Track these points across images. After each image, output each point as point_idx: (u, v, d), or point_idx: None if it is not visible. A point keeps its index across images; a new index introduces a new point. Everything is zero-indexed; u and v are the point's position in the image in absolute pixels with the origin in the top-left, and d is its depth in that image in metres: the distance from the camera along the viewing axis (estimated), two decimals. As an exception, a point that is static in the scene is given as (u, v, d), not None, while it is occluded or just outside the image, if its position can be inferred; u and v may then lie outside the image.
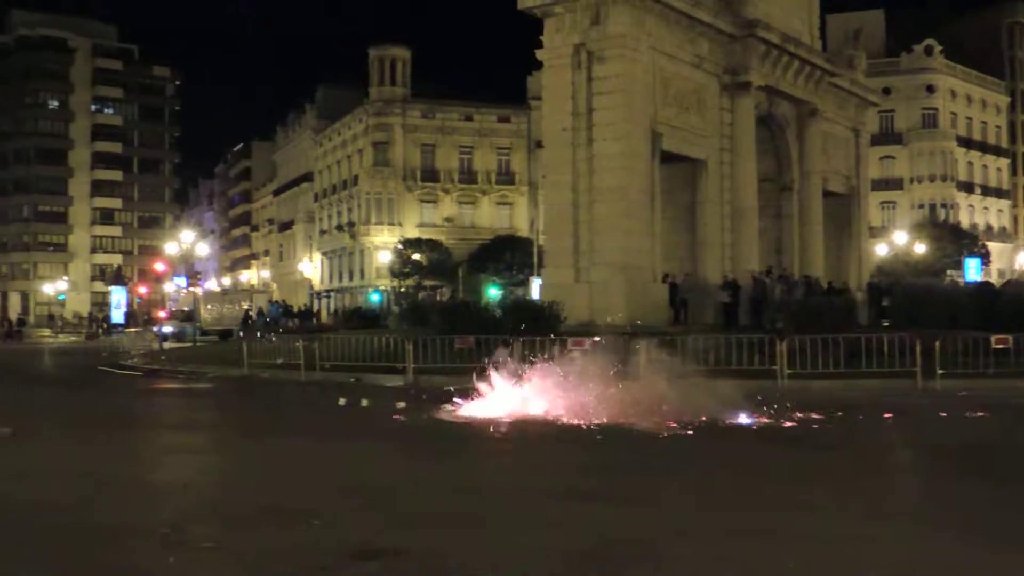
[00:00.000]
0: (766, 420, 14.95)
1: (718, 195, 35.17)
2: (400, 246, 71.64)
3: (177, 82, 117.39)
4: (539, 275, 43.24)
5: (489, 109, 77.40)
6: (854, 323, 29.39)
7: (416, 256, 70.32)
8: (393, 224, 75.81)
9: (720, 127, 35.30)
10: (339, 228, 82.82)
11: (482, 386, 16.49)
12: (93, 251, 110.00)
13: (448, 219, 76.95)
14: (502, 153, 78.30)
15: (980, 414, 16.14)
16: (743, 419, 14.77)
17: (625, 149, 30.75)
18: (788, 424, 14.74)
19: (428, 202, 77.27)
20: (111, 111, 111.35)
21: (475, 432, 14.44)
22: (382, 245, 74.69)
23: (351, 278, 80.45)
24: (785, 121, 39.51)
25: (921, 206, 75.09)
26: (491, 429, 14.47)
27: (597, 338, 20.29)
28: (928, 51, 76.19)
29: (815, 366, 21.14)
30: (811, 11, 41.60)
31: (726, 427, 14.33)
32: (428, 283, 69.52)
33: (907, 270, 55.79)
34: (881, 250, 60.16)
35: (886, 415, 16.00)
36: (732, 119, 35.54)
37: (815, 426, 14.66)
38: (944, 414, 16.06)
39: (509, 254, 67.41)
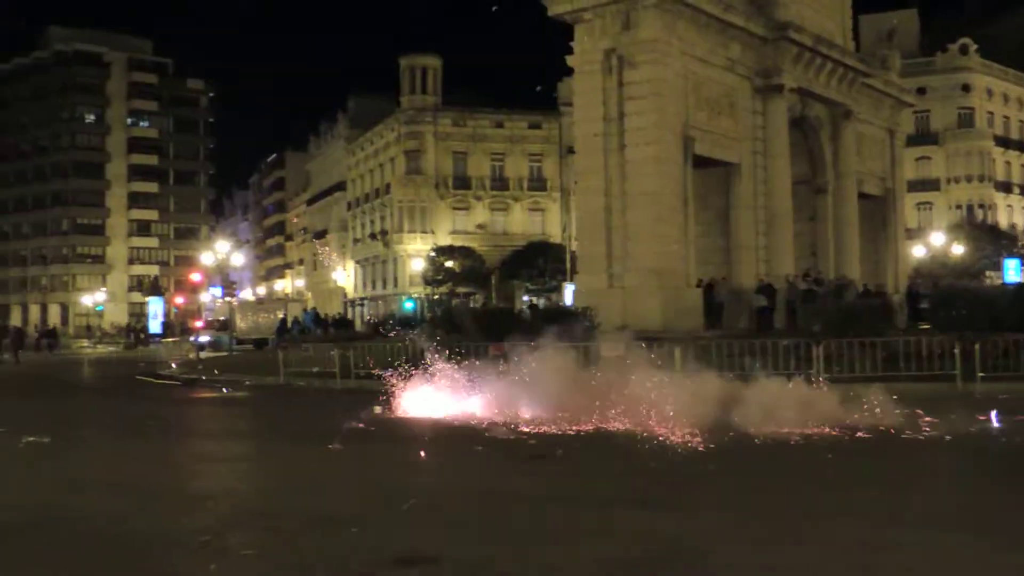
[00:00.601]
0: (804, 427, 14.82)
1: (752, 199, 34.96)
2: (433, 253, 71.86)
3: (211, 94, 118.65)
4: (572, 281, 43.21)
5: (520, 116, 77.51)
6: (892, 326, 29.08)
7: (449, 263, 70.53)
8: (426, 232, 76.07)
9: (753, 130, 35.09)
10: (372, 236, 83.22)
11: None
12: (130, 262, 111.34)
13: (480, 226, 77.07)
14: (534, 159, 78.36)
15: (1021, 418, 15.90)
16: (788, 426, 14.65)
17: (657, 154, 30.64)
18: (828, 430, 14.61)
19: (460, 209, 77.47)
20: (146, 124, 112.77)
21: (508, 438, 14.42)
22: (415, 253, 74.97)
23: (384, 286, 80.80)
24: (819, 123, 39.22)
25: (958, 207, 74.23)
26: (519, 436, 14.45)
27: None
28: (963, 50, 75.35)
29: (852, 370, 20.94)
30: (844, 12, 41.27)
31: (763, 435, 14.23)
32: (461, 290, 69.68)
33: (945, 272, 55.13)
34: (918, 252, 59.52)
35: (925, 419, 15.81)
36: (765, 122, 35.32)
37: (853, 431, 14.51)
38: (984, 417, 15.84)
39: (542, 260, 67.45)
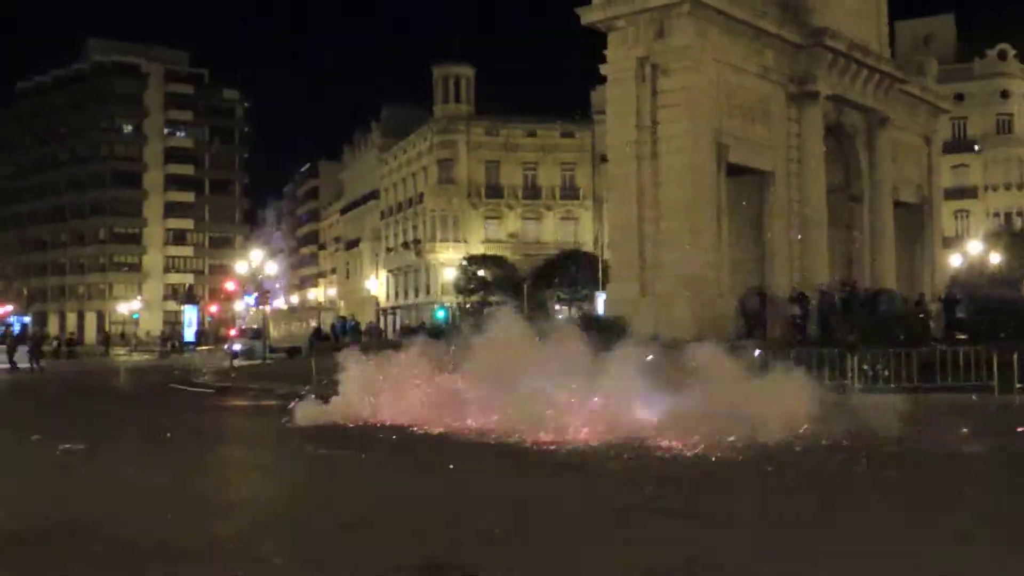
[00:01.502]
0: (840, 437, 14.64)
1: (786, 207, 34.70)
2: (465, 262, 71.95)
3: (246, 104, 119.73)
4: (604, 290, 43.06)
5: (553, 124, 77.50)
6: (928, 336, 28.72)
7: (481, 272, 70.56)
8: (458, 241, 76.21)
9: (787, 138, 34.85)
10: (405, 245, 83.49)
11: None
12: (166, 271, 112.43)
13: (512, 235, 77.10)
14: (566, 168, 78.31)
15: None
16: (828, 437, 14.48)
17: (690, 162, 30.51)
18: (863, 440, 14.42)
19: (493, 218, 77.54)
20: (183, 134, 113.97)
21: (532, 448, 14.35)
22: (447, 262, 75.11)
23: (417, 295, 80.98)
24: (854, 130, 38.88)
25: (996, 215, 73.21)
26: (536, 446, 14.39)
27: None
28: (1002, 56, 74.41)
29: (887, 380, 20.69)
30: (879, 18, 40.92)
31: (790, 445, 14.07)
32: (493, 299, 69.59)
33: (982, 281, 54.35)
34: (955, 260, 58.76)
35: (962, 430, 15.57)
36: (799, 129, 35.07)
37: (887, 443, 14.32)
38: (1022, 429, 15.58)
39: (574, 269, 67.26)
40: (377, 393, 18.48)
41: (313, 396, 19.71)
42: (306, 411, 18.24)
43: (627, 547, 8.20)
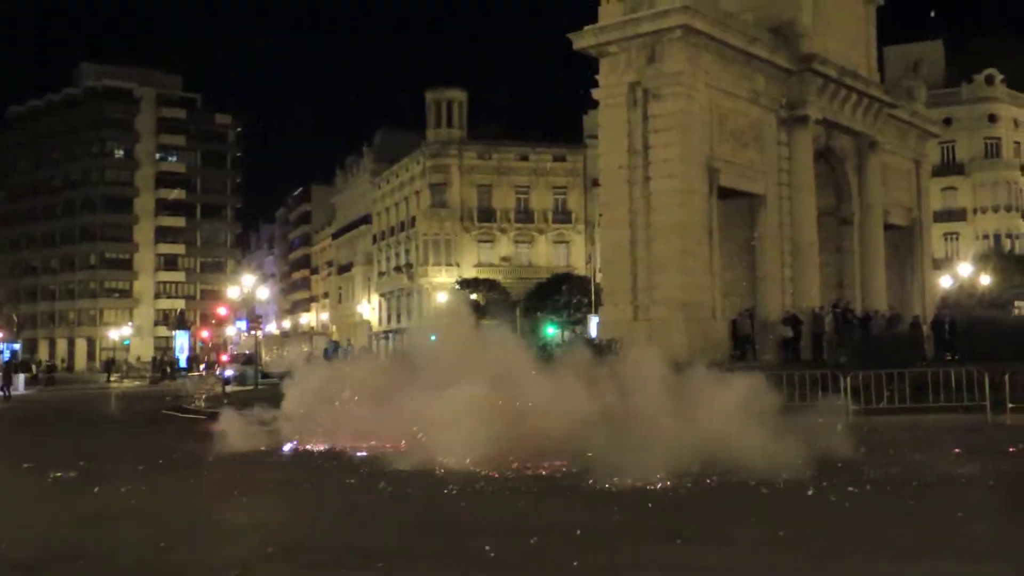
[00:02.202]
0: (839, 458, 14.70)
1: (777, 230, 34.90)
2: (458, 286, 71.98)
3: (238, 129, 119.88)
4: (597, 313, 43.15)
5: (545, 149, 77.81)
6: (920, 357, 28.87)
7: (473, 296, 70.56)
8: (451, 264, 76.29)
9: (778, 161, 35.11)
10: (397, 269, 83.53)
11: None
12: (157, 296, 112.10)
13: (505, 258, 77.23)
14: (558, 192, 78.57)
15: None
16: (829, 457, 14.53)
17: (682, 186, 30.69)
18: (862, 461, 14.49)
19: (485, 242, 77.68)
20: (175, 159, 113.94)
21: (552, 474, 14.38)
22: (440, 285, 75.09)
23: (409, 319, 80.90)
24: (844, 154, 39.18)
25: (986, 237, 73.66)
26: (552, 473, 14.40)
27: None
28: (989, 80, 75.11)
29: (880, 401, 20.79)
30: (868, 43, 41.32)
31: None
32: (486, 322, 69.60)
33: (972, 302, 54.64)
34: (945, 282, 59.05)
35: (955, 451, 15.66)
36: (790, 153, 35.33)
37: (884, 464, 14.39)
38: (1014, 449, 15.68)
39: (567, 293, 67.35)
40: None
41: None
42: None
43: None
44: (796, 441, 13.95)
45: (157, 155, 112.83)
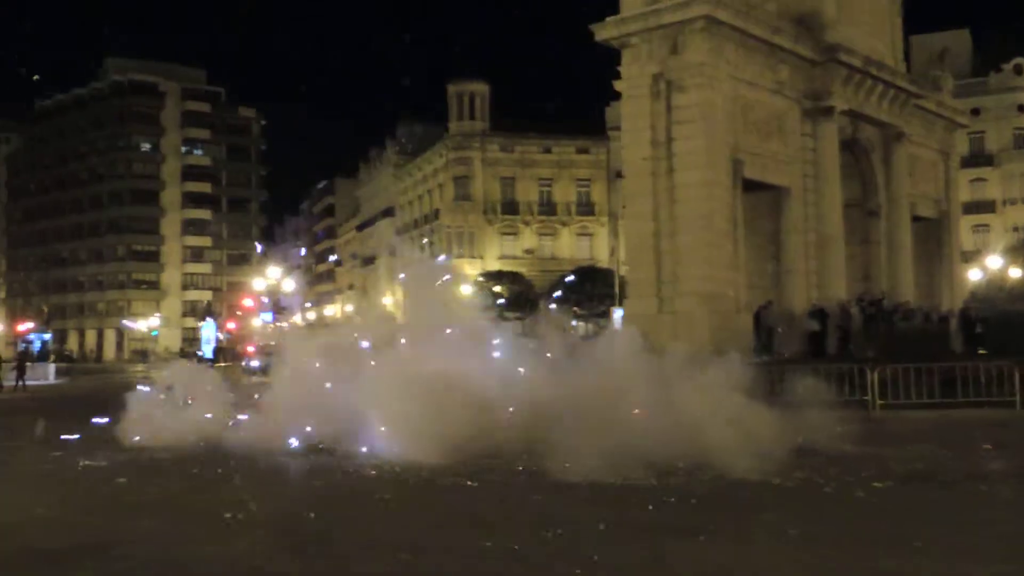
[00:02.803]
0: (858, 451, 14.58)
1: (802, 222, 34.62)
2: (481, 279, 72.03)
3: (263, 122, 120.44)
4: (621, 306, 43.02)
5: (568, 141, 77.69)
6: (948, 351, 28.60)
7: (497, 288, 70.60)
8: (474, 257, 76.34)
9: (803, 153, 34.81)
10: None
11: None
12: (184, 288, 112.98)
13: (528, 251, 77.22)
14: (582, 184, 78.44)
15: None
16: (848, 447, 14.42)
17: (706, 178, 30.49)
18: (889, 457, 14.35)
19: (508, 234, 77.69)
20: (200, 152, 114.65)
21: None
22: (464, 278, 75.17)
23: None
24: (870, 145, 38.81)
25: (1015, 229, 72.77)
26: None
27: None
28: (1018, 70, 74.16)
29: (908, 396, 20.60)
30: (894, 33, 40.89)
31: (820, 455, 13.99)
32: (509, 315, 69.65)
33: (1002, 295, 54.05)
34: (974, 275, 58.45)
35: (984, 446, 15.49)
36: (815, 145, 35.03)
37: (910, 459, 14.24)
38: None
39: (590, 285, 67.27)
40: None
41: None
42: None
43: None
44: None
45: (183, 148, 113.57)
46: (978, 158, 72.76)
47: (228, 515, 10.71)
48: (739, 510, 10.73)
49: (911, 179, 40.75)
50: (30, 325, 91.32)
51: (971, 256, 63.75)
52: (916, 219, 41.05)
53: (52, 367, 55.11)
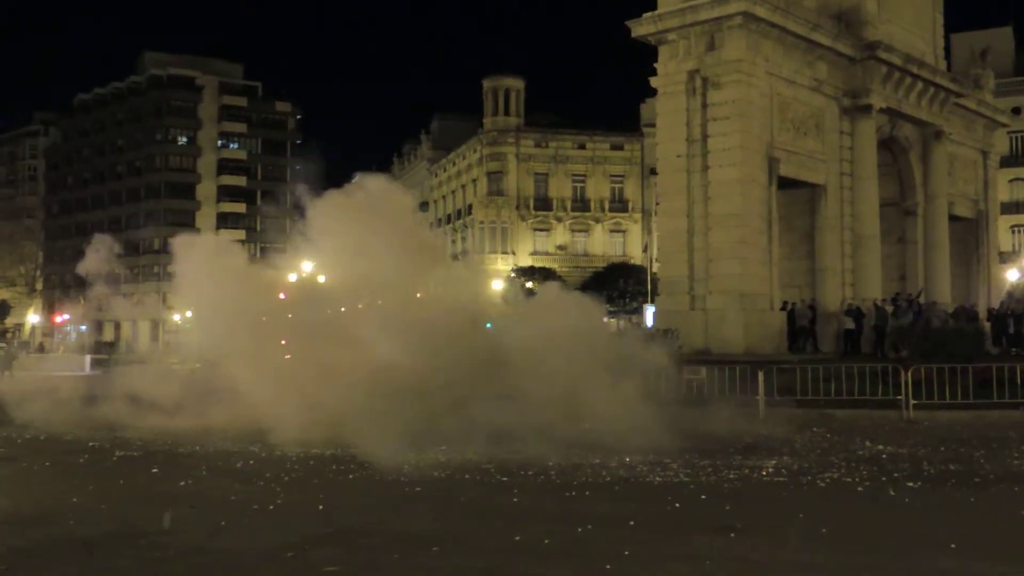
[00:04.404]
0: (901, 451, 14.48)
1: (838, 221, 34.39)
2: (513, 274, 72.07)
3: (298, 116, 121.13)
4: (653, 303, 42.90)
5: (602, 137, 77.53)
6: (983, 351, 28.28)
7: (529, 284, 70.60)
8: (507, 252, 76.39)
9: (840, 151, 34.56)
10: (454, 257, 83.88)
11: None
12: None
13: (561, 247, 77.17)
14: (615, 181, 78.25)
15: None
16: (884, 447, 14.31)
17: (741, 175, 30.37)
18: (923, 458, 14.25)
19: (541, 230, 77.67)
20: (236, 146, 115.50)
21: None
22: (495, 273, 75.27)
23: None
24: (908, 144, 38.44)
25: (1054, 229, 71.75)
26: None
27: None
28: (1060, 69, 73.06)
29: (942, 396, 20.40)
30: (935, 31, 40.46)
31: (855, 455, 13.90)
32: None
33: (1039, 296, 53.34)
34: (1012, 276, 57.74)
35: (1021, 447, 15.32)
36: (852, 143, 34.76)
37: (944, 460, 14.13)
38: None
39: (622, 282, 67.13)
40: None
41: None
42: None
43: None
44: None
45: (219, 142, 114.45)
46: (1018, 158, 71.74)
47: (255, 507, 10.83)
48: (769, 507, 10.70)
49: (949, 178, 40.34)
50: (67, 316, 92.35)
51: (1008, 256, 62.98)
52: (953, 218, 40.63)
53: (88, 358, 55.61)
